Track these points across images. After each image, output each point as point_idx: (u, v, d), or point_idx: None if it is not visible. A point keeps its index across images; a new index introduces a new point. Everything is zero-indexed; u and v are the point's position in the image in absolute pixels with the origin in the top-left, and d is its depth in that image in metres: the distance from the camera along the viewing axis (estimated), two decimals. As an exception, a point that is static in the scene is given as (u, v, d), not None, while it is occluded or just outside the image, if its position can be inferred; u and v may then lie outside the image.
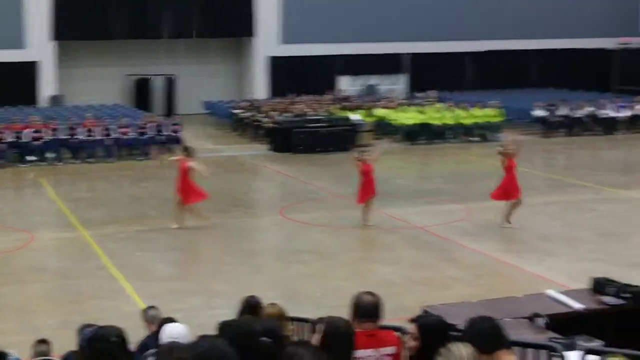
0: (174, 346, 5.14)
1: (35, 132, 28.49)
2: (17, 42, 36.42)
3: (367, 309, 6.68)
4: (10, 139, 28.32)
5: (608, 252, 17.22)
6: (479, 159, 29.19)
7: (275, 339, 6.13)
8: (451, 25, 41.13)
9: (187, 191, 19.45)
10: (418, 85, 39.96)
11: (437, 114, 32.63)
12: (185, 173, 19.40)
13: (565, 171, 25.49)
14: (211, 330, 5.54)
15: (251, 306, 8.86)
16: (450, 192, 23.43)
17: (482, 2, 41.58)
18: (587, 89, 39.77)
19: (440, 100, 36.10)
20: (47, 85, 37.45)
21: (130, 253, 17.85)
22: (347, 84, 40.60)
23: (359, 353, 6.60)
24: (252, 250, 18.15)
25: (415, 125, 32.29)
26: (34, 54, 36.90)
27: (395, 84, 41.25)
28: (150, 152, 28.76)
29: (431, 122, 32.36)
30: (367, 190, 19.07)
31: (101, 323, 6.71)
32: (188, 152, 20.24)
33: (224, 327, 5.47)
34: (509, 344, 5.29)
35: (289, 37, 39.89)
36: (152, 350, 7.99)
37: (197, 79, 40.72)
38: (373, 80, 41.47)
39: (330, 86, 38.51)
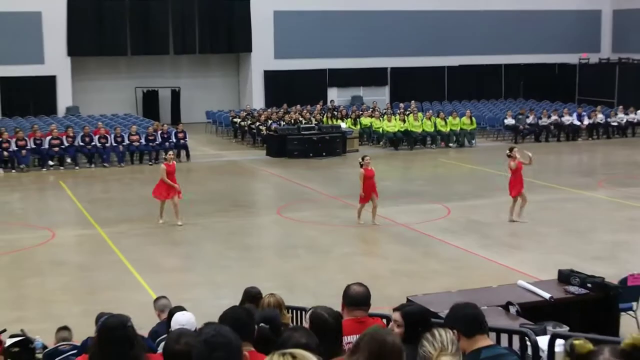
0: (182, 332, 5.15)
1: (55, 139, 28.45)
2: (37, 58, 36.35)
3: (357, 298, 6.69)
4: (32, 146, 28.31)
5: (572, 246, 17.27)
6: (456, 163, 29.23)
7: (273, 326, 6.15)
8: (429, 42, 41.13)
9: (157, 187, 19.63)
10: (399, 96, 39.98)
11: (417, 122, 32.66)
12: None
13: (533, 174, 25.41)
14: (216, 318, 5.55)
15: (252, 296, 8.87)
16: (431, 193, 23.45)
17: (457, 22, 41.57)
18: (552, 100, 39.87)
19: (420, 110, 36.16)
20: (64, 97, 37.38)
21: (142, 248, 17.85)
22: (335, 95, 40.59)
23: (350, 338, 6.62)
24: (252, 246, 18.16)
25: (397, 132, 32.35)
26: (52, 69, 36.81)
27: (379, 95, 41.23)
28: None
29: (412, 129, 32.40)
30: (368, 194, 18.95)
31: (116, 312, 6.70)
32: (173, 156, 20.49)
33: (225, 313, 5.48)
34: (487, 330, 5.30)
35: (281, 53, 39.89)
36: (162, 337, 8.01)
37: (200, 90, 40.68)
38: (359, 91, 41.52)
39: (320, 97, 38.45)
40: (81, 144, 28.81)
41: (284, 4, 39.39)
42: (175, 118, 38.46)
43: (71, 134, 28.87)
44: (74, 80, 37.56)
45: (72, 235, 19.31)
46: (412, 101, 36.89)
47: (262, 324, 5.99)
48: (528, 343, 7.72)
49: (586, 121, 34.48)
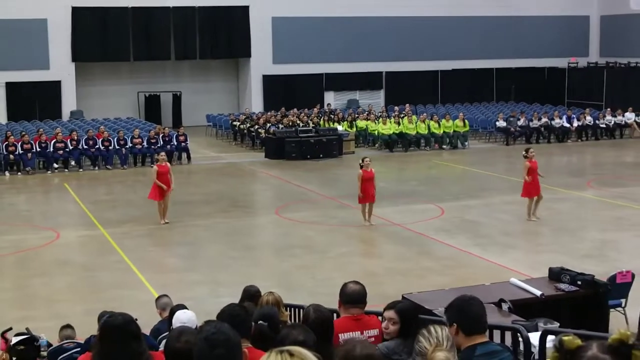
0: (183, 330, 5.13)
1: (59, 142, 28.43)
2: (43, 64, 36.35)
3: (354, 296, 6.69)
4: (37, 149, 28.30)
5: (562, 245, 17.27)
6: (449, 165, 29.24)
7: (272, 323, 6.13)
8: (423, 47, 41.16)
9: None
10: (394, 99, 39.99)
11: (412, 125, 32.67)
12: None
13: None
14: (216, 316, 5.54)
15: (251, 294, 8.85)
16: (425, 193, 23.45)
17: (450, 27, 41.59)
18: (542, 103, 39.93)
19: (414, 113, 36.19)
20: (68, 102, 37.38)
21: (145, 248, 17.84)
22: (332, 99, 40.60)
23: (347, 335, 6.62)
24: (251, 245, 18.13)
25: (392, 135, 32.35)
26: (57, 74, 36.80)
27: (374, 99, 41.28)
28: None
29: (406, 132, 32.41)
30: (366, 194, 18.88)
31: (119, 311, 6.69)
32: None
33: (222, 311, 5.47)
34: (487, 329, 5.26)
35: (280, 58, 39.90)
36: (164, 334, 7.99)
37: (200, 95, 40.68)
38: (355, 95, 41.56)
39: (317, 101, 38.45)
40: (85, 147, 28.80)
41: (282, 11, 39.39)
42: (177, 121, 38.43)
43: (75, 138, 28.86)
44: (78, 85, 37.55)
45: (76, 235, 19.28)
46: (407, 104, 36.90)
47: (260, 322, 5.98)
48: (520, 339, 7.71)
49: (575, 123, 34.53)
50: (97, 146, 28.89)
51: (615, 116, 35.16)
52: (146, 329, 8.31)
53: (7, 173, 27.73)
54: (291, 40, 39.63)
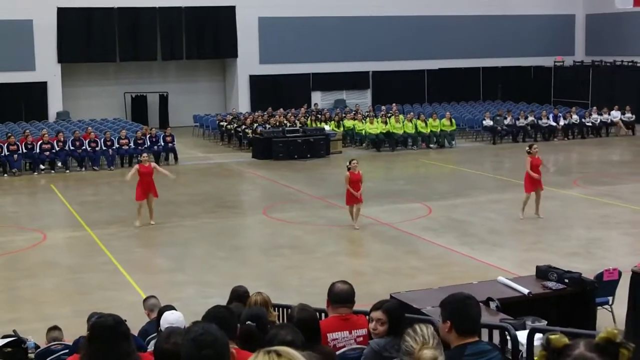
0: (171, 331, 5.12)
1: (46, 144, 28.34)
2: (28, 65, 36.21)
3: (342, 296, 6.70)
4: (23, 150, 28.20)
5: (549, 243, 17.32)
6: (437, 164, 29.28)
7: (260, 323, 6.13)
8: (410, 46, 41.23)
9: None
10: (381, 99, 40.04)
11: (399, 124, 32.70)
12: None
13: (511, 173, 25.54)
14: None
15: (239, 295, 8.85)
16: (412, 192, 23.48)
17: (436, 26, 41.66)
18: (528, 102, 40.03)
19: (401, 112, 36.22)
20: (54, 103, 37.26)
21: (132, 249, 17.79)
22: (319, 99, 40.62)
23: (335, 335, 6.63)
24: (239, 246, 18.10)
25: (379, 134, 32.38)
26: (43, 75, 36.68)
27: (361, 99, 41.32)
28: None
29: (394, 131, 32.45)
30: (351, 195, 18.72)
31: (107, 312, 6.67)
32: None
33: (207, 312, 5.46)
34: (480, 329, 5.25)
35: (266, 58, 39.88)
36: (152, 335, 7.98)
37: (187, 95, 40.63)
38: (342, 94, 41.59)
39: (304, 101, 38.46)
40: (72, 148, 28.73)
41: (268, 11, 39.36)
42: (164, 122, 38.37)
43: (62, 139, 28.77)
44: (65, 86, 37.44)
45: (63, 237, 19.21)
46: (394, 104, 36.96)
47: (249, 322, 5.97)
48: (508, 337, 7.73)
49: (562, 122, 34.65)
50: (84, 147, 28.83)
51: (601, 115, 35.29)
52: (134, 330, 8.28)
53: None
54: (278, 40, 39.63)
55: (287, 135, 30.45)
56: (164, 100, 40.05)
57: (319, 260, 16.43)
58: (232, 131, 33.36)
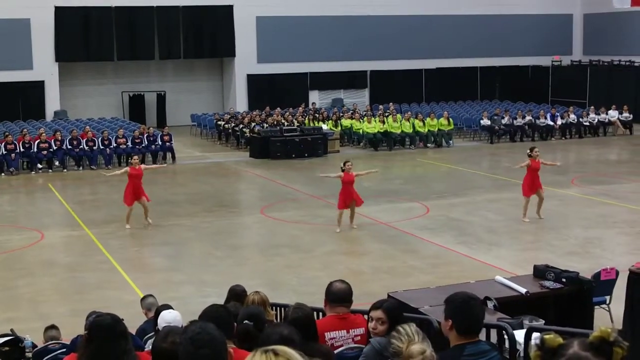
0: (169, 330, 5.12)
1: (43, 143, 28.34)
2: (26, 64, 36.19)
3: (339, 295, 6.70)
4: (21, 150, 28.19)
5: (547, 242, 17.34)
6: (434, 163, 29.29)
7: (258, 322, 6.13)
8: (408, 45, 41.23)
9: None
10: (379, 98, 40.04)
11: (396, 123, 32.71)
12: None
13: (508, 172, 25.52)
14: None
15: (237, 294, 8.84)
16: (410, 192, 23.49)
17: (434, 26, 41.67)
18: (526, 101, 40.04)
19: (398, 111, 36.25)
20: (52, 102, 37.24)
21: (130, 248, 17.81)
22: (316, 98, 40.62)
23: (333, 334, 6.63)
24: (237, 245, 18.10)
25: (377, 133, 32.39)
26: (40, 74, 36.64)
27: (359, 98, 41.33)
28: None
29: (391, 130, 32.46)
30: (345, 197, 18.57)
31: (105, 311, 6.68)
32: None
33: (204, 312, 5.46)
34: (481, 330, 5.25)
35: (264, 57, 39.87)
36: (149, 334, 7.98)
37: (185, 94, 40.62)
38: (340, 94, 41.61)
39: (302, 100, 38.47)
40: (69, 147, 28.72)
41: (266, 10, 39.36)
42: (161, 121, 38.36)
43: (59, 138, 28.76)
44: (62, 85, 37.41)
45: (60, 236, 19.20)
46: (391, 103, 36.96)
47: (246, 321, 5.97)
48: (505, 337, 7.74)
49: (559, 121, 34.67)
50: (81, 146, 28.82)
51: (598, 114, 35.32)
52: (132, 329, 8.29)
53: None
54: (275, 39, 39.62)
55: (285, 134, 30.45)
56: (161, 99, 40.03)
57: (316, 260, 16.43)
58: (230, 130, 33.35)
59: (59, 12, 36.64)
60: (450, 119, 33.68)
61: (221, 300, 8.80)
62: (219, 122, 34.34)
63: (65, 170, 28.49)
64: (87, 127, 31.02)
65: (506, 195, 22.15)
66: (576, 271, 11.08)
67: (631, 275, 11.01)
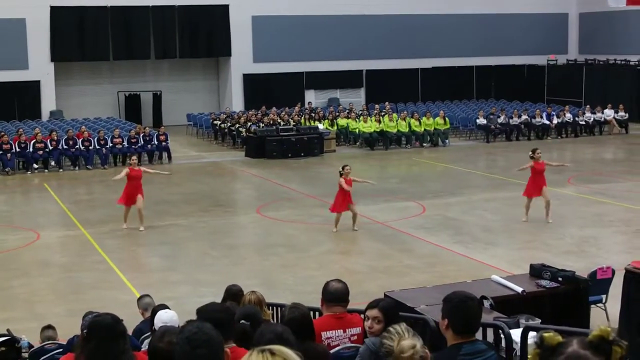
0: (165, 330, 5.12)
1: (39, 143, 28.30)
2: (21, 64, 36.15)
3: (336, 294, 6.69)
4: (17, 149, 28.15)
5: (543, 241, 17.34)
6: (430, 162, 29.30)
7: (254, 322, 6.13)
8: (403, 45, 41.24)
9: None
10: (375, 98, 40.05)
11: (392, 123, 32.72)
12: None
13: (504, 172, 25.57)
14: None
15: (233, 293, 8.84)
16: (406, 191, 23.49)
17: (429, 25, 41.68)
18: (522, 100, 40.06)
19: (395, 111, 36.26)
20: (48, 102, 37.20)
21: (126, 248, 17.79)
22: (312, 97, 40.62)
23: (329, 333, 6.63)
24: (233, 245, 18.08)
25: (373, 133, 32.39)
26: (36, 74, 36.61)
27: (355, 97, 41.33)
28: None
29: (387, 130, 32.46)
30: (342, 202, 18.39)
31: (101, 311, 6.67)
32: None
33: (199, 310, 5.45)
34: (478, 330, 5.25)
35: (260, 56, 39.86)
36: (146, 334, 7.97)
37: (181, 94, 40.60)
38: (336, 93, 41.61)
39: (298, 99, 38.45)
40: (65, 147, 28.69)
41: (262, 9, 39.35)
42: (157, 121, 38.34)
43: (55, 138, 28.73)
44: (58, 85, 37.37)
45: (56, 236, 19.18)
46: (387, 102, 36.96)
47: (242, 321, 5.97)
48: (502, 336, 7.74)
49: (555, 120, 34.70)
50: (77, 146, 28.79)
51: (594, 113, 35.35)
52: (128, 329, 8.28)
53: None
54: (271, 38, 39.62)
55: (281, 134, 30.44)
56: (157, 99, 40.01)
57: (312, 259, 16.43)
58: (226, 130, 33.33)
59: (55, 11, 36.60)
60: (447, 118, 33.70)
61: (218, 300, 8.79)
62: (215, 122, 34.32)
63: (61, 170, 28.47)
64: (83, 127, 30.97)
65: (502, 195, 22.17)
66: (572, 270, 11.09)
67: (627, 274, 11.02)
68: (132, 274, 15.61)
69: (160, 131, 30.59)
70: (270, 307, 9.33)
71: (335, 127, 33.24)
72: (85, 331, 5.68)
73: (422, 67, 42.12)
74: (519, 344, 7.70)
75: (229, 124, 33.23)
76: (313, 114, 34.63)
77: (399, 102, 39.68)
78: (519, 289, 10.36)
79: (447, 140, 33.05)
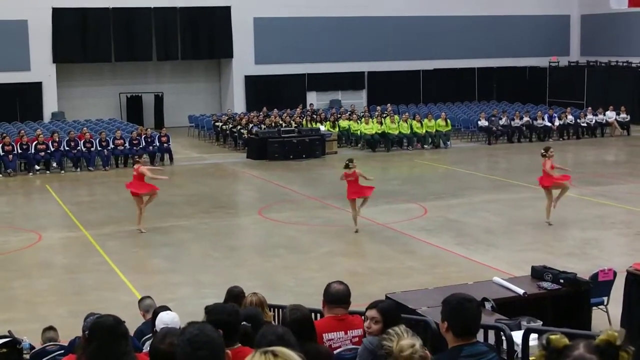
0: (167, 332, 5.11)
1: (41, 144, 28.30)
2: (23, 65, 36.17)
3: (338, 296, 6.68)
4: (18, 151, 28.14)
5: (544, 243, 17.32)
6: (432, 164, 29.28)
7: (256, 324, 6.11)
8: (405, 46, 41.23)
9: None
10: (376, 99, 40.03)
11: (394, 124, 32.70)
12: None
13: (506, 173, 25.59)
14: (200, 317, 5.51)
15: (235, 295, 8.81)
16: (407, 193, 23.47)
17: (431, 27, 41.65)
18: (524, 102, 40.06)
19: (396, 112, 36.25)
20: (49, 103, 37.20)
21: (128, 250, 17.76)
22: (314, 99, 40.61)
23: (331, 335, 6.61)
24: (234, 246, 18.09)
25: (375, 134, 32.37)
26: (38, 76, 36.62)
27: (357, 99, 41.32)
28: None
29: (389, 132, 32.44)
30: (351, 191, 18.55)
31: (103, 312, 6.65)
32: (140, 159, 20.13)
33: (210, 309, 5.45)
34: (478, 331, 5.23)
35: (262, 58, 39.86)
36: (147, 336, 7.95)
37: (183, 95, 40.60)
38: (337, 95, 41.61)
39: (299, 101, 38.45)
40: (67, 148, 28.69)
41: (263, 11, 39.35)
42: (159, 122, 38.33)
43: (57, 139, 28.73)
44: (59, 87, 37.38)
45: (58, 237, 19.16)
46: (389, 104, 36.97)
47: (244, 323, 5.95)
48: (503, 338, 7.72)
49: (557, 122, 34.68)
50: (79, 147, 28.79)
51: (596, 115, 35.34)
52: (130, 331, 8.26)
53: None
54: (273, 40, 39.61)
55: (283, 135, 30.43)
56: (159, 100, 40.00)
57: (314, 261, 16.41)
58: (228, 131, 33.33)
59: (57, 13, 36.61)
60: (448, 120, 33.67)
61: (219, 301, 8.76)
62: (217, 123, 34.32)
63: (62, 171, 28.47)
64: (85, 128, 30.98)
65: (504, 197, 22.15)
66: (574, 272, 11.07)
67: (629, 276, 11.02)
68: (133, 275, 15.59)
69: (162, 133, 30.58)
70: (272, 309, 9.30)
71: (337, 129, 33.22)
72: (86, 332, 5.68)
73: (423, 68, 42.09)
74: (521, 346, 7.67)
75: (230, 126, 33.22)
76: (315, 116, 34.63)
77: (400, 104, 39.66)
78: (521, 291, 10.34)
79: (448, 142, 33.03)
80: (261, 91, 39.56)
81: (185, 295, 14.09)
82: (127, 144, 29.48)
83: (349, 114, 34.67)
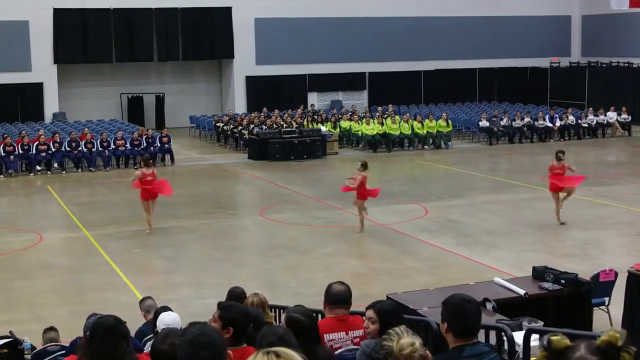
0: (168, 332, 5.10)
1: (42, 145, 28.30)
2: (25, 66, 36.19)
3: (339, 296, 6.68)
4: (20, 151, 28.15)
5: (545, 244, 17.33)
6: (433, 165, 29.27)
7: (257, 324, 6.11)
8: (406, 47, 41.22)
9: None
10: (377, 100, 40.02)
11: (395, 125, 32.70)
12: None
13: (507, 174, 25.57)
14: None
15: (236, 295, 8.80)
16: (408, 193, 23.47)
17: (432, 27, 41.66)
18: (525, 102, 40.05)
19: (397, 113, 36.24)
20: (50, 104, 37.21)
21: (129, 250, 17.75)
22: (315, 100, 40.61)
23: (332, 336, 6.61)
24: (235, 247, 18.09)
25: (376, 135, 32.37)
26: (39, 76, 36.64)
27: (358, 99, 41.33)
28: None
29: (390, 132, 32.44)
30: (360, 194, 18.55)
31: (104, 313, 6.64)
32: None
33: (224, 306, 5.48)
34: (478, 332, 5.22)
35: (263, 59, 39.86)
36: (148, 336, 7.95)
37: (184, 96, 40.62)
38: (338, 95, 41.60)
39: (300, 102, 38.46)
40: (68, 149, 28.70)
41: (264, 12, 39.35)
42: (160, 123, 38.32)
43: (58, 140, 28.75)
44: (61, 87, 37.41)
45: (59, 238, 19.17)
46: (390, 105, 36.96)
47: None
48: (504, 338, 7.71)
49: (558, 123, 34.68)
50: (80, 148, 28.79)
51: (597, 115, 35.34)
52: (131, 331, 8.26)
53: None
54: (274, 41, 39.61)
55: (284, 136, 30.44)
56: (160, 101, 40.00)
57: (315, 261, 16.41)
58: (229, 132, 33.33)
59: (58, 14, 36.63)
60: (449, 121, 33.67)
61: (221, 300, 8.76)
62: (218, 124, 34.32)
63: (63, 172, 28.47)
64: (86, 129, 30.99)
65: (505, 197, 22.14)
66: (575, 273, 11.06)
67: (630, 276, 11.01)
68: (134, 276, 15.59)
69: (163, 133, 30.58)
70: (273, 310, 9.30)
71: (338, 130, 33.22)
72: (88, 333, 5.67)
73: (424, 69, 42.08)
74: (522, 347, 7.66)
75: (231, 126, 33.22)
76: (316, 116, 34.62)
77: (401, 104, 39.66)
78: (522, 292, 10.34)
79: (449, 143, 33.03)
80: (262, 92, 39.56)
81: (186, 295, 14.09)
82: (128, 145, 29.50)
83: (350, 115, 34.66)
